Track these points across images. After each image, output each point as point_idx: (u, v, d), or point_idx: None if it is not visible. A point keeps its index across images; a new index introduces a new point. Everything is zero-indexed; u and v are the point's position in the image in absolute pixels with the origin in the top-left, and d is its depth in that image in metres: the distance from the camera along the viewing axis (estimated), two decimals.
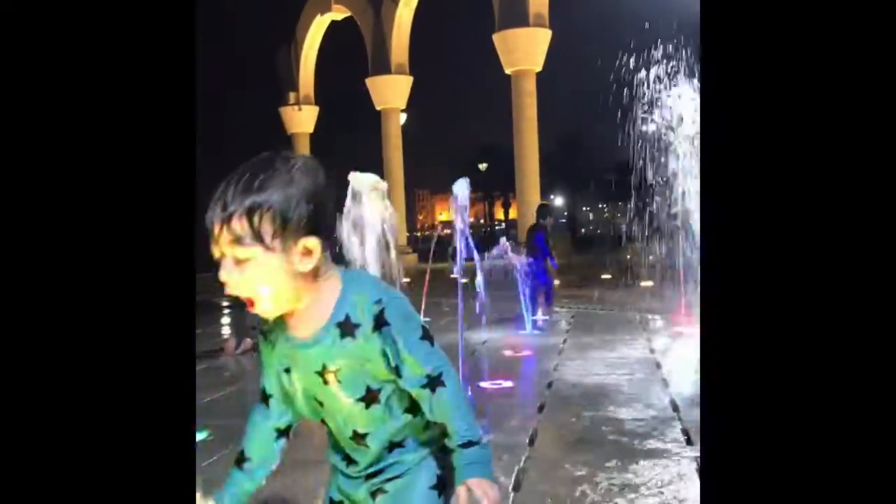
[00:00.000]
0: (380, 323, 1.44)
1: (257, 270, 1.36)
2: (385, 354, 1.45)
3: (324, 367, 1.47)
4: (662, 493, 2.94)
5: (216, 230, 1.35)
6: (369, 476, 1.59)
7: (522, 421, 4.11)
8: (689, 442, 3.61)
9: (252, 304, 1.40)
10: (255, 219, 1.33)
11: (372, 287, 1.48)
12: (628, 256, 19.77)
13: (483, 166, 51.06)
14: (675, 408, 4.28)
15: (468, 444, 1.49)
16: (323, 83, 23.35)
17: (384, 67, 19.95)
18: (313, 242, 1.38)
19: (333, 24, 22.39)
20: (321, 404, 1.53)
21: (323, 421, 1.59)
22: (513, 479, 3.14)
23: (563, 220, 53.49)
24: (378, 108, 20.41)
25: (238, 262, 1.36)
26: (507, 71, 16.53)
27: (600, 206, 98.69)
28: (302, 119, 22.85)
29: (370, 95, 20.52)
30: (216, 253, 1.38)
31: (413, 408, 1.55)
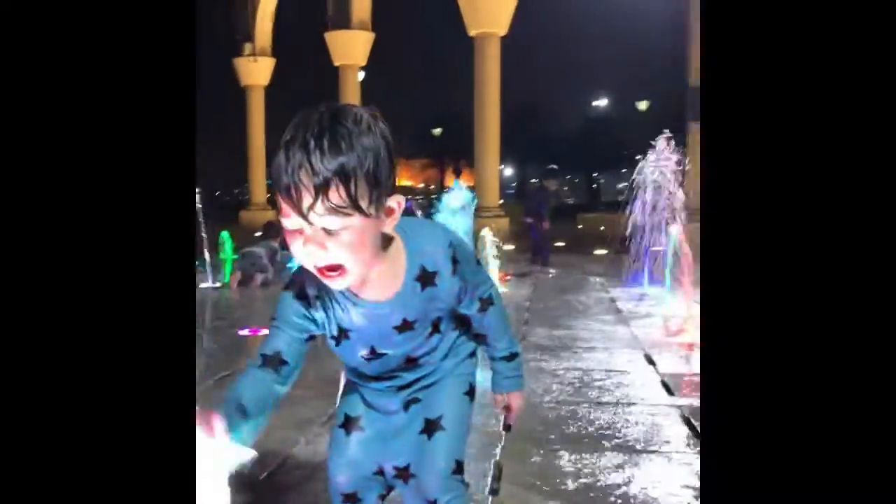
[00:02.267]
0: (455, 266, 1.45)
1: (353, 238, 1.24)
2: (458, 290, 1.49)
3: (404, 321, 1.45)
4: (627, 394, 3.01)
5: (307, 202, 1.19)
6: (402, 388, 1.59)
7: None
8: (650, 361, 4.38)
9: (339, 272, 1.27)
10: (352, 185, 1.20)
11: (437, 233, 1.47)
12: (580, 226, 20.07)
13: (438, 131, 50.81)
14: (637, 340, 4.56)
15: (511, 357, 1.65)
16: (280, 35, 22.81)
17: (344, 22, 19.56)
18: (398, 199, 1.30)
19: None
20: (377, 349, 1.50)
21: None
22: (502, 421, 3.17)
23: (512, 192, 53.93)
24: (336, 63, 20.03)
25: (329, 232, 1.22)
26: (471, 33, 16.37)
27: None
28: (257, 71, 22.29)
29: (328, 51, 20.14)
30: (294, 224, 1.23)
31: (460, 324, 1.60)
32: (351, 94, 19.90)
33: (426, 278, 1.43)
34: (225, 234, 8.45)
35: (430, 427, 1.55)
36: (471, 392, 1.62)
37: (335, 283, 1.30)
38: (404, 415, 1.59)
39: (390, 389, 1.59)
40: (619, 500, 2.38)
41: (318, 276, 1.29)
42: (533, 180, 9.83)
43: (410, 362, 1.55)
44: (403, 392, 1.59)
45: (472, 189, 7.99)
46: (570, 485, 2.50)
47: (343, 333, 1.47)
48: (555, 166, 10.34)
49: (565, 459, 2.73)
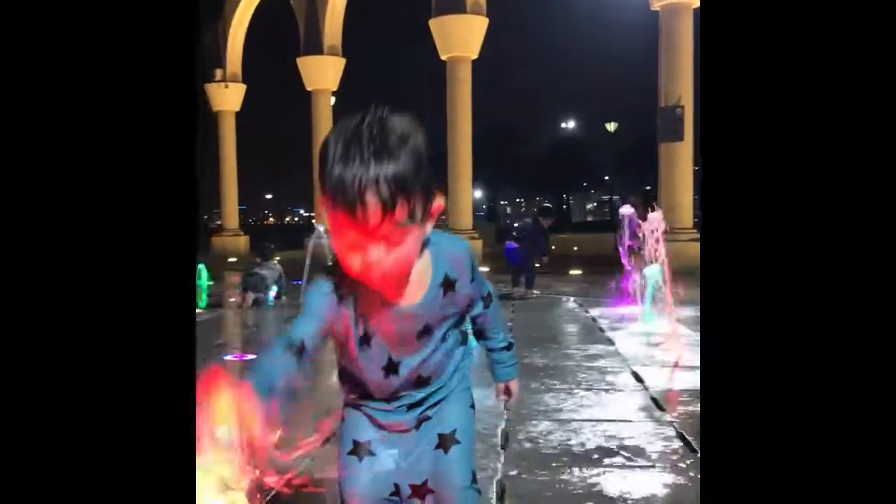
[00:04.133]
0: (473, 272, 1.56)
1: (406, 246, 1.29)
2: (472, 295, 1.60)
3: (426, 326, 1.51)
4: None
5: (373, 220, 1.22)
6: (413, 405, 1.61)
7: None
8: (638, 379, 4.45)
9: (384, 272, 1.31)
10: (413, 200, 1.24)
11: (458, 244, 1.55)
12: (553, 247, 20.17)
13: None
14: (623, 358, 4.56)
15: (509, 347, 1.80)
16: (252, 61, 22.83)
17: (316, 48, 19.63)
18: (440, 203, 1.35)
19: (264, 1, 21.90)
20: (394, 358, 1.53)
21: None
22: (500, 437, 3.21)
23: (482, 213, 54.16)
24: (308, 88, 20.06)
25: (389, 243, 1.27)
26: (443, 57, 16.53)
27: (517, 199, 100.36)
28: (228, 96, 22.22)
29: (301, 76, 20.18)
30: (350, 236, 1.26)
31: (463, 338, 1.66)
32: (323, 118, 19.94)
33: (449, 285, 1.49)
34: (201, 265, 8.49)
35: (445, 442, 1.59)
36: (473, 405, 1.69)
37: (377, 281, 1.34)
38: (416, 433, 1.61)
39: (401, 409, 1.60)
40: None
41: (363, 277, 1.32)
42: (510, 218, 9.81)
43: (420, 382, 1.58)
44: (415, 410, 1.61)
45: (442, 214, 8.05)
46: (572, 501, 2.55)
47: (367, 339, 1.48)
48: (549, 204, 10.57)
49: (565, 476, 2.77)
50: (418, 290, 1.46)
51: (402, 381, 1.57)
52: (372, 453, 1.61)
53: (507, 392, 1.84)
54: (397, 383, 1.57)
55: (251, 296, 8.40)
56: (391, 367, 1.54)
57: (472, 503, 1.60)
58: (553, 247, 19.25)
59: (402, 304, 1.46)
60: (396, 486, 1.61)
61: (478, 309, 1.69)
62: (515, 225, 10.18)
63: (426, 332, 1.52)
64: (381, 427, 1.63)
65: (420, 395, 1.60)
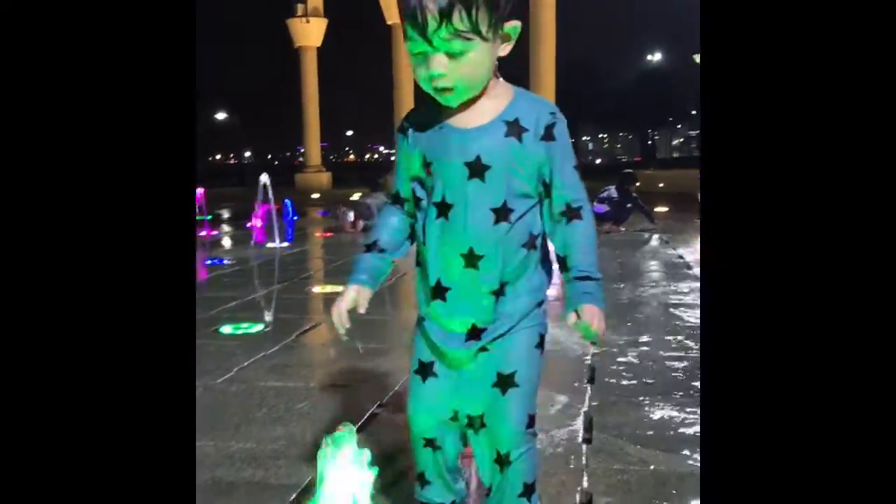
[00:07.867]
0: (548, 135, 1.46)
1: (471, 60, 1.36)
2: (540, 167, 1.48)
3: (477, 158, 1.45)
4: None
5: (432, 26, 1.31)
6: (472, 335, 1.55)
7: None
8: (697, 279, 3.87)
9: (451, 91, 1.40)
10: (474, 11, 1.31)
11: (547, 102, 1.51)
12: (637, 184, 19.74)
13: None
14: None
15: (586, 278, 1.48)
16: None
17: None
18: (515, 26, 1.42)
19: None
20: (447, 198, 1.49)
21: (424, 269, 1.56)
22: (587, 371, 3.21)
23: None
24: (389, 22, 19.96)
25: (452, 55, 1.34)
26: None
27: (600, 136, 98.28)
28: (310, 32, 22.29)
29: (381, 10, 20.04)
30: (418, 48, 1.35)
31: (531, 244, 1.53)
32: (403, 53, 19.79)
33: (514, 127, 1.45)
34: (287, 200, 8.85)
35: (503, 382, 1.54)
36: (541, 343, 1.58)
37: (447, 100, 1.42)
38: (474, 363, 1.57)
39: (460, 334, 1.55)
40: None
41: (434, 94, 1.41)
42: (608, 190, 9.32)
43: (473, 260, 1.48)
44: (472, 342, 1.55)
45: None
46: (661, 433, 2.53)
47: (427, 167, 1.51)
48: (631, 170, 10.24)
49: (650, 410, 2.75)
50: (479, 116, 1.46)
51: (448, 256, 1.50)
52: (434, 375, 1.61)
53: (579, 318, 1.44)
54: (443, 257, 1.51)
55: (361, 223, 9.13)
56: (444, 204, 1.49)
57: (524, 447, 1.56)
58: (638, 184, 18.94)
59: (456, 126, 1.47)
60: (456, 412, 1.60)
61: (556, 210, 1.49)
62: (601, 194, 9.73)
63: (478, 167, 1.45)
64: (437, 353, 1.60)
65: (480, 314, 1.52)
